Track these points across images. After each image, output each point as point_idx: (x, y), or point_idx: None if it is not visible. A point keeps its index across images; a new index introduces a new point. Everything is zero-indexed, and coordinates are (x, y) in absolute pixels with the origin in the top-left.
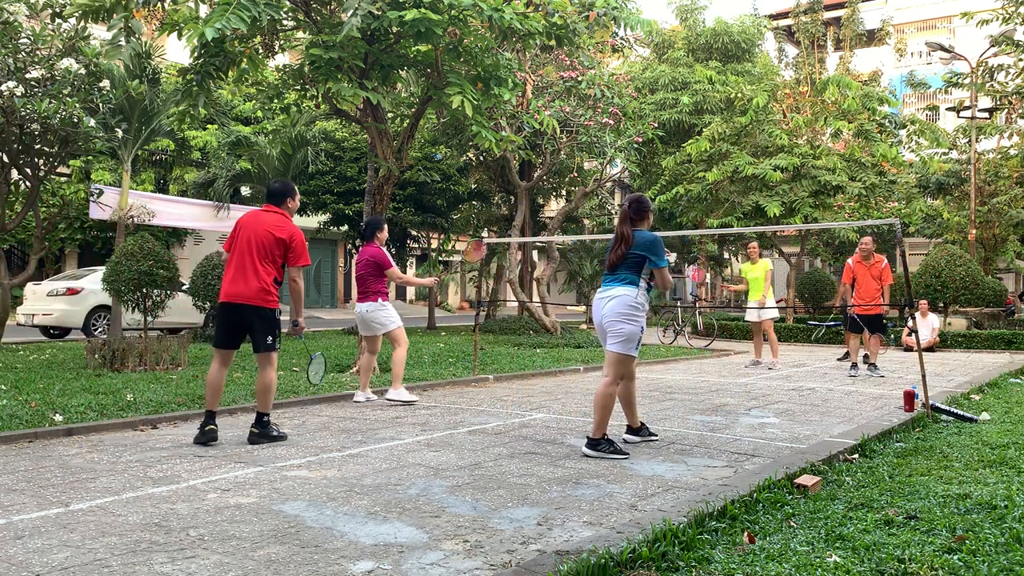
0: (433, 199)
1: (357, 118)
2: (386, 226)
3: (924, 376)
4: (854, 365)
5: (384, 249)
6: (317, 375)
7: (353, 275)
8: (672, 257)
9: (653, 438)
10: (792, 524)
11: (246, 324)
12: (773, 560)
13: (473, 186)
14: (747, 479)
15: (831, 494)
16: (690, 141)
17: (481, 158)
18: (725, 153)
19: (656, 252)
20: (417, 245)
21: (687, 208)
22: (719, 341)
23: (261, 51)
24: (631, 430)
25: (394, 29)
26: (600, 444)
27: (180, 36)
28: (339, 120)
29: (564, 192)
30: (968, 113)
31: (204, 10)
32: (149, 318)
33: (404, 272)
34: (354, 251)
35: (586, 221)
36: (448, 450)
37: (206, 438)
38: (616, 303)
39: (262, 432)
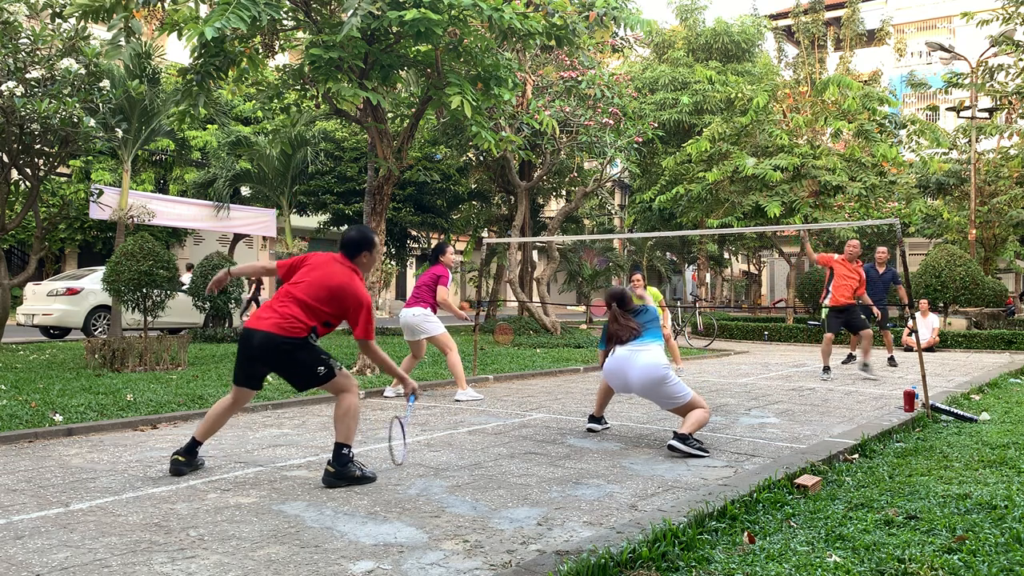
0: (433, 199)
1: (357, 118)
2: (450, 248)
3: (924, 376)
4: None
5: (448, 271)
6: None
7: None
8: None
9: (603, 427)
10: (792, 524)
11: None
12: (773, 560)
13: (473, 186)
14: (747, 479)
15: (831, 494)
16: (690, 141)
17: (481, 158)
18: (725, 153)
19: None
20: (417, 245)
21: (687, 208)
22: (719, 341)
23: (261, 51)
24: (593, 418)
25: (394, 29)
26: (688, 440)
27: (180, 36)
28: (339, 120)
29: (564, 192)
30: (968, 113)
31: (204, 10)
32: (149, 318)
33: (439, 291)
34: None
35: (586, 221)
36: (448, 450)
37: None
38: (656, 360)
39: (338, 472)
